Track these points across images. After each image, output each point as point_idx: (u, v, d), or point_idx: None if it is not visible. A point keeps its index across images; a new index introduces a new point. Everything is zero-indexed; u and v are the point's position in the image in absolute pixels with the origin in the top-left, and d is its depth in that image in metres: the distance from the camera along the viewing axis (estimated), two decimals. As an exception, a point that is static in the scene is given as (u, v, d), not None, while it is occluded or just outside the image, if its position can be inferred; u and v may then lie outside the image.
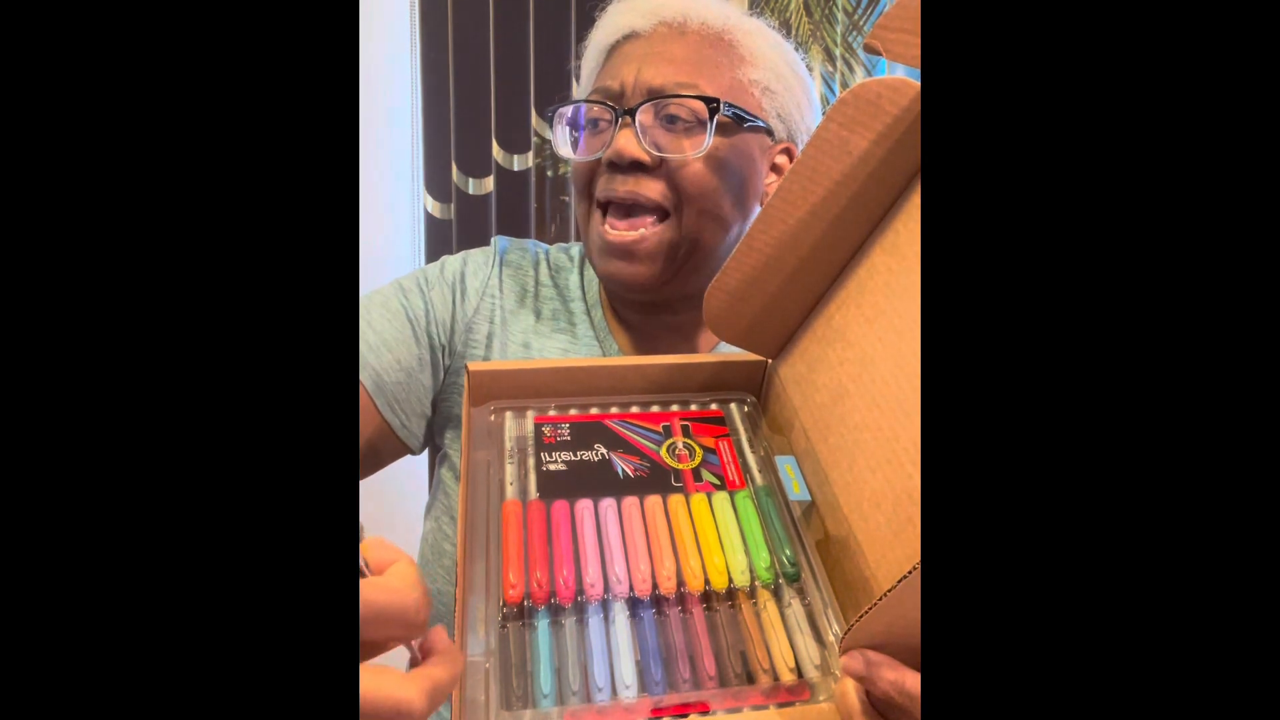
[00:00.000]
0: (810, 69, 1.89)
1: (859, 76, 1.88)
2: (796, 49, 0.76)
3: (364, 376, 0.70)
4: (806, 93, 0.76)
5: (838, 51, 1.87)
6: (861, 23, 1.89)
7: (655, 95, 0.69)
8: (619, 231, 0.70)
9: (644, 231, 0.70)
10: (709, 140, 0.69)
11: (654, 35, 0.72)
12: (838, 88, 1.83)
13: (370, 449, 0.73)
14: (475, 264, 0.78)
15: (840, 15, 1.88)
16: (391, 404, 0.72)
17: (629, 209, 0.70)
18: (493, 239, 0.82)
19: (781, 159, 0.75)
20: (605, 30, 0.74)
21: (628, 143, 0.68)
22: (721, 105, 0.68)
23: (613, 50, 0.74)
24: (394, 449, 0.75)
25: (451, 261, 0.78)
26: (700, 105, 0.68)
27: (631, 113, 0.69)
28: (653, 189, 0.69)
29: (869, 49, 0.48)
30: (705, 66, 0.70)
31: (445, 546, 0.74)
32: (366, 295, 0.75)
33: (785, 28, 1.79)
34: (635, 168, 0.69)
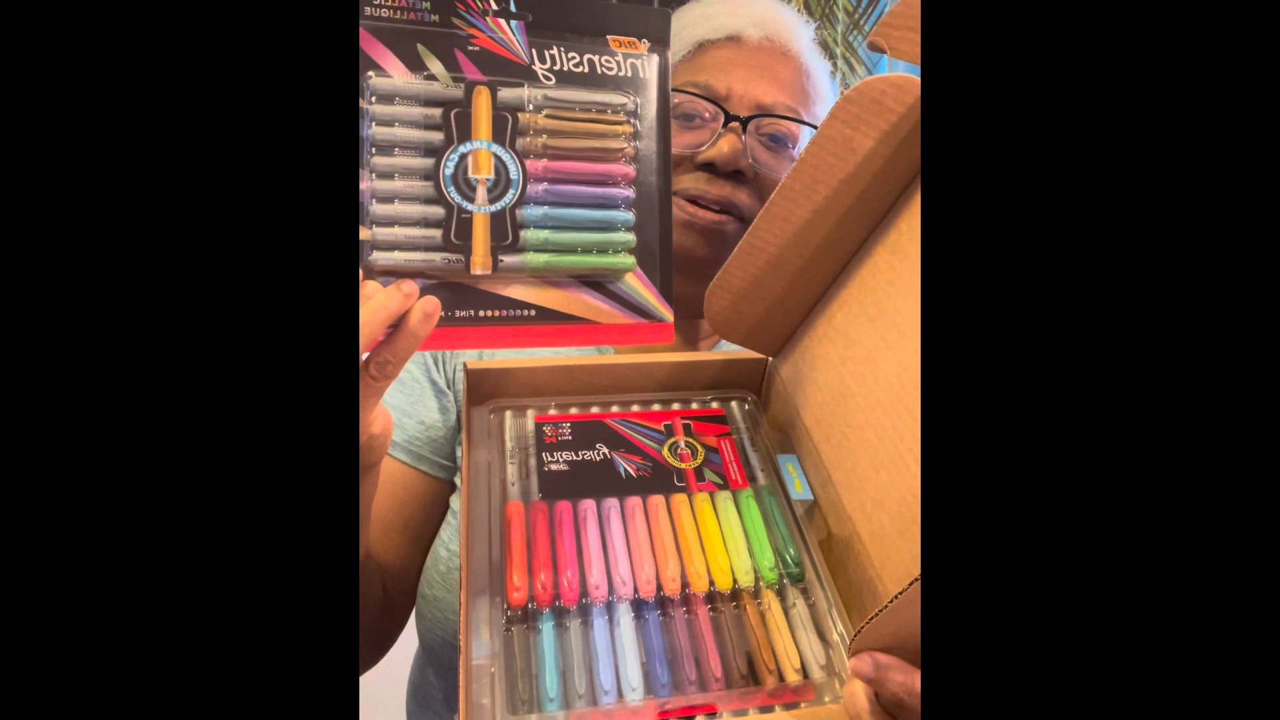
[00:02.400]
0: (809, 68, 1.88)
1: (860, 75, 1.88)
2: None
3: (405, 457, 0.70)
4: None
5: (838, 50, 1.87)
6: (862, 22, 1.89)
7: (765, 112, 0.70)
8: (709, 213, 0.70)
9: (727, 218, 0.71)
10: None
11: (759, 48, 0.73)
12: (838, 87, 1.83)
13: (438, 506, 0.73)
14: None
15: (841, 14, 1.87)
16: (436, 462, 0.71)
17: (722, 209, 0.71)
18: None
19: None
20: (700, 25, 0.74)
21: (734, 150, 0.69)
22: None
23: (707, 47, 0.73)
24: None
25: None
26: (798, 130, 0.71)
27: (744, 122, 0.70)
28: (742, 197, 0.70)
29: (873, 47, 0.48)
30: (801, 96, 0.73)
31: (441, 552, 0.74)
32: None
33: (785, 26, 1.78)
34: (733, 175, 0.70)
